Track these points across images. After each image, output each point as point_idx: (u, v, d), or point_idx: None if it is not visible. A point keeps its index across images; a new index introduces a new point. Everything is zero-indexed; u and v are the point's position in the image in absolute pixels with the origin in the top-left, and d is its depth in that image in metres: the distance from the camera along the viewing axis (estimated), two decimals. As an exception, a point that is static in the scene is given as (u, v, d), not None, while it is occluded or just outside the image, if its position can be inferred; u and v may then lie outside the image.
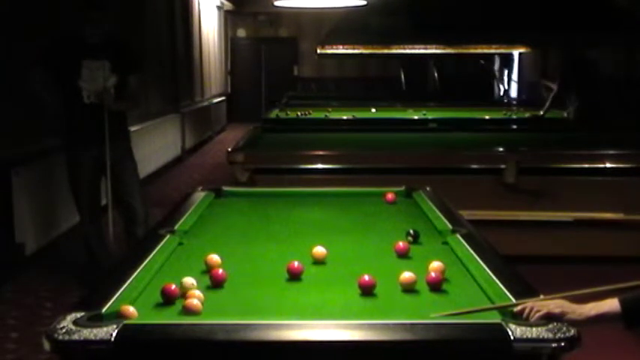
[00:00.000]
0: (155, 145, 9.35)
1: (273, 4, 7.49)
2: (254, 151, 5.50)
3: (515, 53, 11.94)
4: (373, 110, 8.65)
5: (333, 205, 3.49)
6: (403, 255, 2.53)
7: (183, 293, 2.06)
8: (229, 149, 5.35)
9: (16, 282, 5.09)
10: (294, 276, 2.27)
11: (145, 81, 9.27)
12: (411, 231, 2.72)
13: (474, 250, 2.44)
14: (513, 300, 1.93)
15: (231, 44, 16.92)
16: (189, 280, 2.12)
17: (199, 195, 3.51)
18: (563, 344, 1.70)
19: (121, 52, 4.85)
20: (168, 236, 2.67)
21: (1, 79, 5.24)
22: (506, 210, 5.22)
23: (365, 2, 6.99)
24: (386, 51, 8.81)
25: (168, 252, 2.53)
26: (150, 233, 2.77)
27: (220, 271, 2.22)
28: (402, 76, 12.89)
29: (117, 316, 1.86)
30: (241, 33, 16.99)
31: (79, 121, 4.72)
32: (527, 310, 1.82)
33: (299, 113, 8.58)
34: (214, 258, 2.35)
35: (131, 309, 1.88)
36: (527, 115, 8.55)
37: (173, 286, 2.04)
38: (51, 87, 4.71)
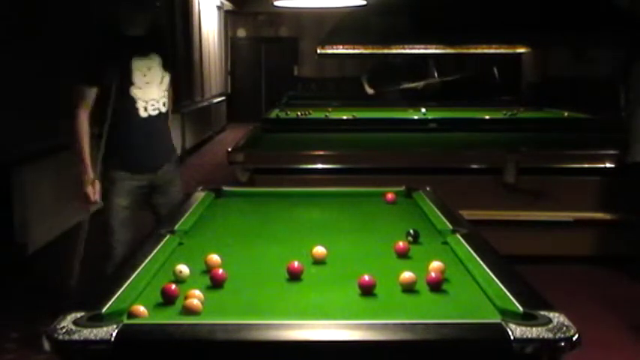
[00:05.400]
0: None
1: (273, 4, 7.49)
2: (254, 151, 5.50)
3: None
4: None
5: (333, 205, 3.49)
6: (403, 255, 2.53)
7: (177, 280, 2.17)
8: (229, 149, 5.35)
9: (16, 282, 5.09)
10: (294, 276, 2.27)
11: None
12: (411, 231, 2.72)
13: (474, 250, 2.43)
14: (514, 301, 1.93)
15: (231, 44, 16.92)
16: (179, 268, 2.23)
17: (199, 195, 3.51)
18: (563, 344, 1.69)
19: (165, 45, 3.97)
20: (168, 236, 2.67)
21: (0, 79, 5.24)
22: (506, 210, 5.22)
23: (365, 2, 6.99)
24: (386, 51, 8.80)
25: (168, 252, 2.53)
26: (150, 233, 2.77)
27: (220, 271, 2.22)
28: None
29: (128, 315, 1.86)
30: (241, 33, 16.99)
31: (134, 141, 3.73)
32: None
33: (299, 113, 8.58)
34: (214, 258, 2.35)
35: (142, 308, 1.89)
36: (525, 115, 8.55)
37: (173, 286, 2.04)
38: (104, 105, 3.68)
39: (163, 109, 3.83)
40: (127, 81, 3.66)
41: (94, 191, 3.69)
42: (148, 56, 3.73)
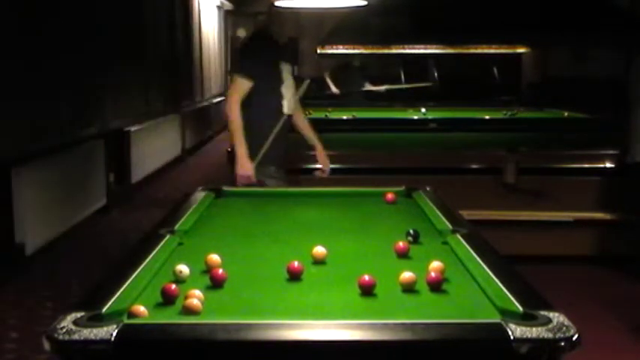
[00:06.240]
0: (155, 145, 9.36)
1: (272, 5, 7.49)
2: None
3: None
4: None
5: (333, 205, 3.49)
6: (403, 255, 2.53)
7: (177, 280, 2.16)
8: (229, 149, 5.35)
9: (16, 282, 5.09)
10: (294, 276, 2.26)
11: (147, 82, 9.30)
12: (411, 231, 2.71)
13: (474, 250, 2.43)
14: (514, 301, 1.93)
15: (231, 44, 16.91)
16: (179, 268, 2.22)
17: (199, 195, 3.50)
18: (563, 344, 1.69)
19: (295, 56, 4.54)
20: (168, 236, 2.67)
21: (0, 79, 5.24)
22: (506, 210, 5.22)
23: (366, 2, 6.99)
24: (386, 51, 8.80)
25: (168, 252, 2.52)
26: (150, 233, 2.77)
27: (220, 271, 2.22)
28: (402, 76, 12.90)
29: (128, 315, 1.86)
30: (241, 33, 16.98)
31: (278, 134, 4.19)
32: None
33: (299, 113, 8.56)
34: (214, 258, 2.35)
35: (142, 308, 1.89)
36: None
37: (173, 286, 2.04)
38: (253, 99, 4.17)
39: (292, 111, 4.28)
40: (279, 79, 4.16)
41: (252, 175, 4.12)
42: (288, 62, 4.24)
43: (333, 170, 5.26)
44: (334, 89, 10.44)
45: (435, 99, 9.84)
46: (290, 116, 4.27)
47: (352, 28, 7.95)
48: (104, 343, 1.67)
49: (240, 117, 4.11)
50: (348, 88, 10.28)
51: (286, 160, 4.35)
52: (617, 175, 5.17)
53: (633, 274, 4.99)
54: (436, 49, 8.54)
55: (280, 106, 4.19)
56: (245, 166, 4.11)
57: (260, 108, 4.15)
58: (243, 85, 4.13)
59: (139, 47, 9.11)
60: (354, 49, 8.98)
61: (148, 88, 9.48)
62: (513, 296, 1.95)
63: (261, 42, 4.31)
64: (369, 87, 10.27)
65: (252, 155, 4.15)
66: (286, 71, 4.22)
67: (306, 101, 10.15)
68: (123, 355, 1.70)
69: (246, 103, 4.15)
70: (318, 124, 7.63)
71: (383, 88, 9.74)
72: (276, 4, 7.04)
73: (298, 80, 4.37)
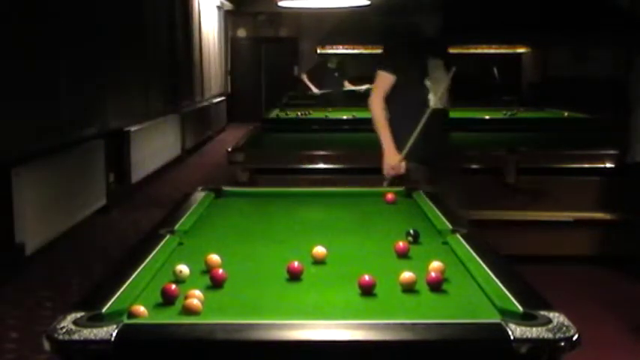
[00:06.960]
0: (155, 145, 9.36)
1: (274, 4, 7.50)
2: (254, 151, 5.50)
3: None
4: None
5: (333, 205, 3.49)
6: (403, 255, 2.53)
7: (177, 280, 2.17)
8: (229, 149, 5.35)
9: (16, 282, 5.09)
10: (294, 276, 2.26)
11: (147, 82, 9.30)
12: (411, 231, 2.71)
13: (474, 250, 2.43)
14: (514, 301, 1.93)
15: (231, 44, 16.92)
16: (179, 268, 2.22)
17: (199, 195, 3.50)
18: (563, 344, 1.69)
19: (445, 51, 4.41)
20: (168, 236, 2.67)
21: (0, 79, 5.24)
22: (506, 210, 5.22)
23: (369, 2, 6.98)
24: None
25: (168, 252, 2.52)
26: (150, 233, 2.77)
27: (220, 271, 2.22)
28: None
29: (128, 315, 1.86)
30: (241, 33, 16.99)
31: (423, 130, 4.09)
32: None
33: (299, 113, 8.58)
34: (214, 258, 2.35)
35: (142, 308, 1.89)
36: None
37: (173, 286, 2.04)
38: (399, 91, 4.19)
39: (442, 105, 4.24)
40: (423, 73, 4.16)
41: (400, 166, 4.16)
42: (435, 55, 4.22)
43: (332, 170, 5.27)
44: (315, 90, 10.43)
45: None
46: (439, 111, 4.21)
47: (352, 28, 7.95)
48: (104, 343, 1.67)
49: (383, 111, 4.18)
50: (327, 88, 10.27)
51: (434, 157, 4.26)
52: (617, 175, 5.17)
53: (633, 274, 4.99)
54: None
55: (425, 100, 4.17)
56: (393, 158, 4.17)
57: (404, 102, 4.17)
58: (386, 80, 4.18)
59: (139, 47, 9.11)
60: (354, 49, 8.98)
61: (148, 88, 9.48)
62: (513, 296, 1.95)
63: (404, 36, 4.36)
64: (349, 87, 10.28)
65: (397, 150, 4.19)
66: (433, 65, 4.21)
67: (305, 101, 10.17)
68: (123, 355, 1.70)
69: (391, 98, 4.19)
70: (318, 124, 7.71)
71: (363, 87, 9.76)
72: (280, 4, 7.01)
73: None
